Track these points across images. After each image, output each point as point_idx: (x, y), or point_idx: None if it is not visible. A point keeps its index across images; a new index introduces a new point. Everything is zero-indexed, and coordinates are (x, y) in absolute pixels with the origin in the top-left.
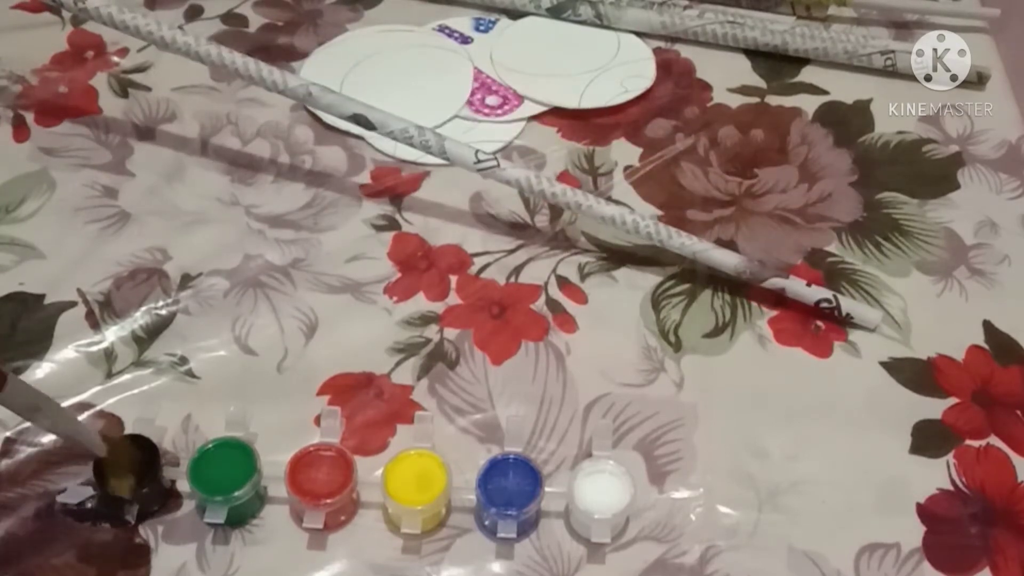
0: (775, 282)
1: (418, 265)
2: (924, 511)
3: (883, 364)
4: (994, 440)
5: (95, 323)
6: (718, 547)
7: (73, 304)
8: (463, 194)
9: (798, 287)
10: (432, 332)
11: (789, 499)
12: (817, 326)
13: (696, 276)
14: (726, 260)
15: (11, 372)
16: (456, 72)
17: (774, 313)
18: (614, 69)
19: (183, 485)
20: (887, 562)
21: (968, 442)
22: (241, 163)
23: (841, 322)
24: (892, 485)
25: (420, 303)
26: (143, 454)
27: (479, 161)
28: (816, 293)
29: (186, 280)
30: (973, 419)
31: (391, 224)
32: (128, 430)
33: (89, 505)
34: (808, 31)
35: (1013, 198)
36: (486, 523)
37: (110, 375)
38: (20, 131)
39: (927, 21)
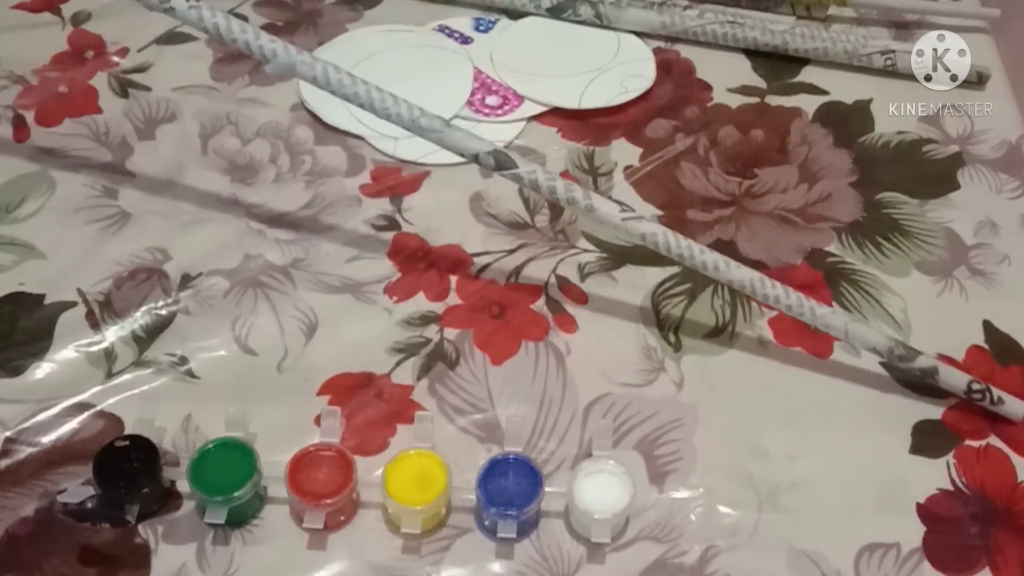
0: (923, 363)
1: (418, 265)
2: (924, 511)
3: (883, 364)
4: (994, 440)
5: (95, 323)
6: (718, 547)
7: (73, 304)
8: (463, 194)
9: (948, 373)
10: (432, 332)
11: (789, 499)
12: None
13: (696, 276)
14: (869, 338)
15: None
16: (456, 72)
17: (774, 313)
18: (614, 69)
19: (183, 485)
20: (887, 562)
21: (968, 442)
22: (241, 163)
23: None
24: (892, 485)
25: (420, 303)
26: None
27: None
28: (964, 379)
29: (186, 280)
30: (973, 419)
31: (391, 224)
32: (128, 430)
33: (89, 505)
34: (808, 31)
35: (1013, 198)
36: (486, 523)
37: (110, 375)
38: (20, 131)
39: (927, 21)
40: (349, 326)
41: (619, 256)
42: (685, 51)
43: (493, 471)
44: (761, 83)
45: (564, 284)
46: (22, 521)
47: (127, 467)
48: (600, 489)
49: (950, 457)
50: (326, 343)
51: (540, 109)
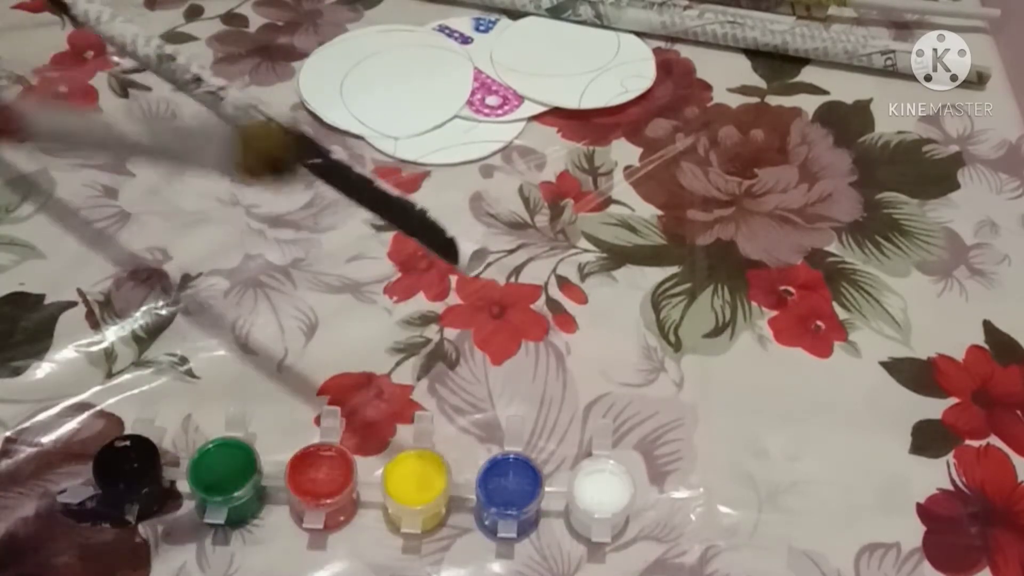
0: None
1: (418, 265)
2: (924, 511)
3: (883, 364)
4: (994, 440)
5: (95, 323)
6: (718, 547)
7: (73, 304)
8: (463, 194)
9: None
10: (432, 332)
11: (789, 499)
12: (817, 326)
13: (696, 276)
14: None
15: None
16: (456, 72)
17: (774, 313)
18: (614, 69)
19: (183, 485)
20: (887, 562)
21: (968, 442)
22: None
23: None
24: (892, 485)
25: (420, 303)
26: None
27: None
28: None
29: (186, 280)
30: (973, 419)
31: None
32: (128, 430)
33: (89, 505)
34: (808, 31)
35: (1013, 198)
36: (486, 523)
37: (110, 375)
38: None
39: (927, 21)
40: (349, 326)
41: (619, 256)
42: (685, 51)
43: (493, 471)
44: (761, 83)
45: (564, 284)
46: (22, 521)
47: (127, 467)
48: (600, 489)
49: (950, 457)
50: (326, 343)
51: (540, 109)
